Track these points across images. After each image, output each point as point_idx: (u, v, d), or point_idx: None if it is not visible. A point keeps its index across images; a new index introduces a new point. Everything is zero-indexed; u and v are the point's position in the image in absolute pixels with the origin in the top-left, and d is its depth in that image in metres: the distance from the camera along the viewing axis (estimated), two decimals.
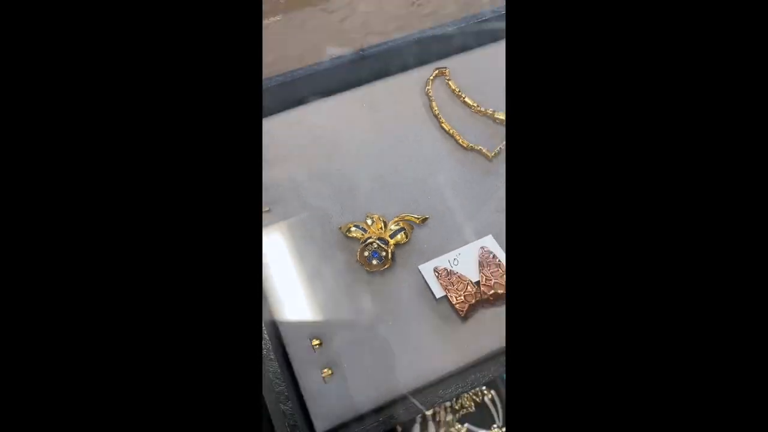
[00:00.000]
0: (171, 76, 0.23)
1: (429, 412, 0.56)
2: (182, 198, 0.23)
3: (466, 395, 0.59)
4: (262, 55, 0.46)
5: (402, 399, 0.40)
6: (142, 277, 0.23)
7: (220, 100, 0.24)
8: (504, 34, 0.51)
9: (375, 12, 0.53)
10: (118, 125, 0.23)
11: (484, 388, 0.59)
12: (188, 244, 0.23)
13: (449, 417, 0.58)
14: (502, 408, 0.57)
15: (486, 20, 0.51)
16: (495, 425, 0.57)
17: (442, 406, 0.58)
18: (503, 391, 0.58)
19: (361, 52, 0.47)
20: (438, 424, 0.56)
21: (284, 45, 0.51)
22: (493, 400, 0.58)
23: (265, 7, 0.54)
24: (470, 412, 0.59)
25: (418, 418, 0.54)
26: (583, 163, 0.23)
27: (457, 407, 0.58)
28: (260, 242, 0.44)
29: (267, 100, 0.47)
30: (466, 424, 0.57)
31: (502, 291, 0.41)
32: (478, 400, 0.59)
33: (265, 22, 0.54)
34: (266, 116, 0.48)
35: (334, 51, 0.46)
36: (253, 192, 0.24)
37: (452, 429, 0.57)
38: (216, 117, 0.24)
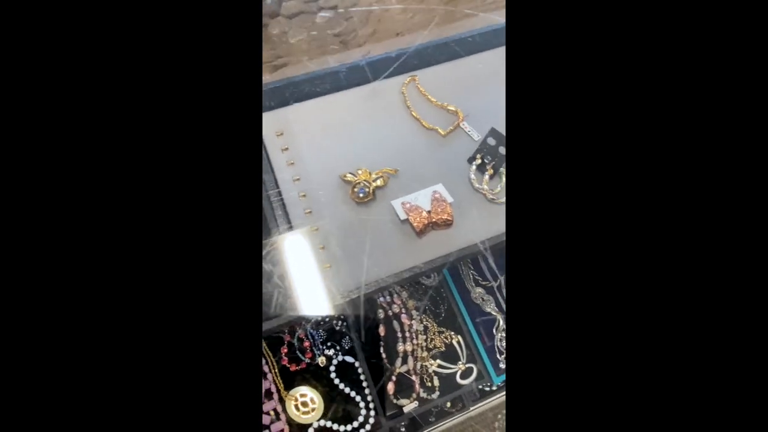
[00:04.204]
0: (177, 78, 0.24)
1: (409, 348, 0.71)
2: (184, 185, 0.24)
3: (437, 338, 0.73)
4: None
5: (376, 283, 0.59)
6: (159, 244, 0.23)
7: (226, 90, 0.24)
8: (455, 55, 0.73)
9: (373, 36, 0.77)
10: (123, 119, 0.23)
11: (452, 332, 0.74)
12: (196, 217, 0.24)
13: (424, 353, 0.72)
14: (465, 349, 0.73)
15: (443, 44, 0.74)
16: (460, 362, 0.72)
17: (419, 345, 0.72)
18: (467, 336, 0.74)
19: (361, 62, 0.69)
20: (416, 359, 0.71)
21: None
22: (459, 342, 0.73)
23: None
24: (441, 351, 0.72)
25: (401, 350, 0.71)
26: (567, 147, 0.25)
27: (430, 347, 0.72)
28: (260, 224, 0.63)
29: (291, 93, 0.69)
30: (437, 360, 0.72)
31: (445, 218, 0.60)
32: (447, 341, 0.73)
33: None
34: (291, 104, 0.69)
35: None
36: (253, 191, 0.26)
37: (426, 363, 0.71)
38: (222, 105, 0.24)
